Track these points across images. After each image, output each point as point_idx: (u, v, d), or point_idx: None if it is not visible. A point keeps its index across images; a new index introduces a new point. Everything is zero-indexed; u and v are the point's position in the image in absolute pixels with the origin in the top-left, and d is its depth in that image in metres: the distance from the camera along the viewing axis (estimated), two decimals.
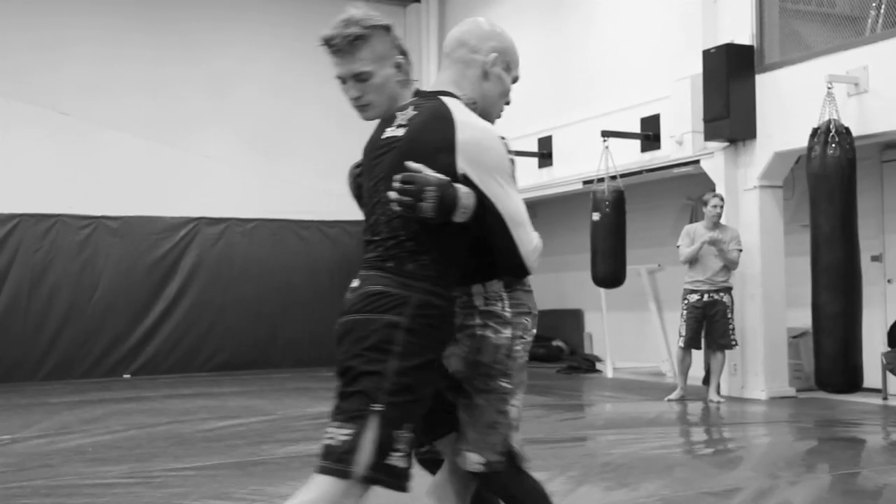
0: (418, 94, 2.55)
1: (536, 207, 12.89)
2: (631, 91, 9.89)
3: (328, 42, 2.61)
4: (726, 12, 8.66)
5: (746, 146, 8.49)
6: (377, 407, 2.28)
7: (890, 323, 8.29)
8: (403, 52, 2.67)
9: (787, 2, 8.44)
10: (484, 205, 2.37)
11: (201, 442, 6.32)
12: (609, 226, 9.24)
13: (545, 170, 11.11)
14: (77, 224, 11.36)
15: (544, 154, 11.09)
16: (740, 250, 8.07)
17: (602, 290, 10.38)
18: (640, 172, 9.75)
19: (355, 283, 2.43)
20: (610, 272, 9.34)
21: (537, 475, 2.70)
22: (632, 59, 10.00)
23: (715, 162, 8.74)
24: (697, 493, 4.53)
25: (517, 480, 2.60)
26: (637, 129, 9.64)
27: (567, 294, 12.38)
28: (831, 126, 7.07)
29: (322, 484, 2.29)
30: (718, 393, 8.17)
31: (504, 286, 2.59)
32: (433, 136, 2.37)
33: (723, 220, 8.24)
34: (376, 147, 2.49)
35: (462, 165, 2.34)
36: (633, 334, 11.26)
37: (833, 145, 7.03)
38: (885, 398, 7.92)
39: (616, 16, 10.40)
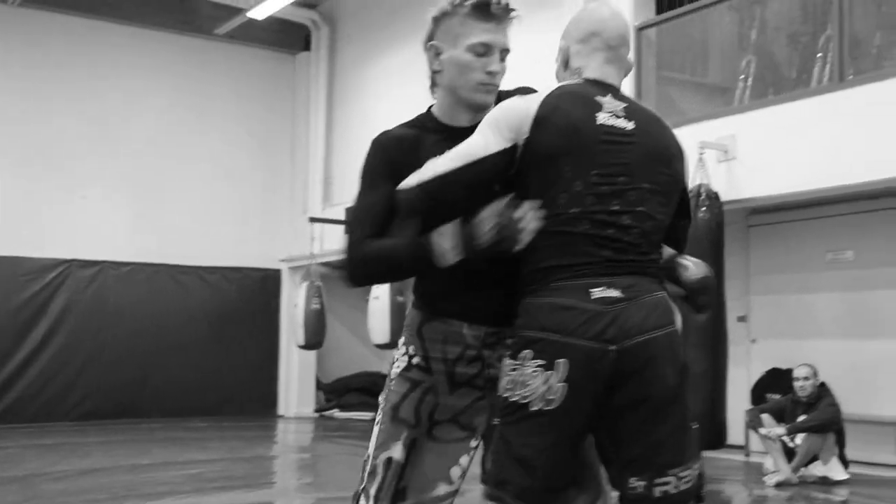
0: (598, 83, 2.28)
1: None
2: None
3: (489, 2, 2.33)
4: None
5: None
6: (696, 427, 2.20)
7: (754, 381, 8.60)
8: None
9: (664, 69, 8.78)
10: (684, 219, 2.39)
11: (59, 497, 6.01)
12: None
13: None
14: None
15: None
16: None
17: None
18: None
19: (615, 293, 2.11)
20: None
21: None
22: None
23: None
24: None
25: None
26: None
27: None
28: (702, 190, 7.35)
29: None
30: None
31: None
32: (666, 140, 2.30)
33: None
34: (597, 133, 2.19)
35: (685, 178, 2.36)
36: None
37: (703, 209, 7.30)
38: (747, 455, 8.17)
39: (518, 71, 10.59)
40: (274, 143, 13.22)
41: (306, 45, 13.23)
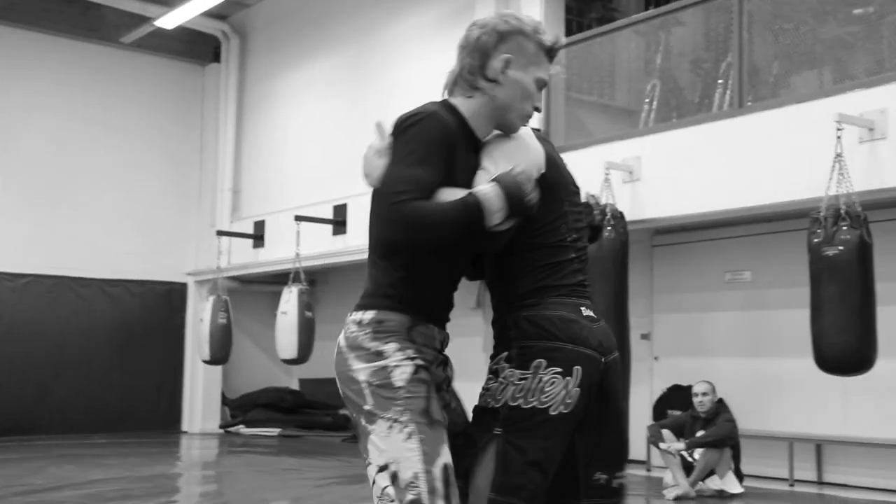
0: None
1: (329, 274, 12.87)
2: None
3: (556, 48, 2.45)
4: None
5: None
6: None
7: (656, 397, 8.79)
8: None
9: (572, 91, 8.95)
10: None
11: None
12: None
13: (339, 237, 11.12)
14: None
15: (339, 222, 11.10)
16: None
17: None
18: None
19: (590, 313, 2.38)
20: None
21: None
22: None
23: None
24: None
25: None
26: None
27: None
28: (608, 210, 7.50)
29: None
30: None
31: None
32: None
33: None
34: (567, 171, 2.53)
35: None
36: None
37: (609, 228, 7.45)
38: (648, 469, 8.34)
39: (414, 93, 10.65)
40: (182, 154, 13.00)
41: (216, 57, 13.07)
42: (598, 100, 9.06)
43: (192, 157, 13.09)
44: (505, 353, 2.32)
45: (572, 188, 2.48)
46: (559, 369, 2.24)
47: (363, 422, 2.26)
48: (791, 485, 7.56)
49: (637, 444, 8.22)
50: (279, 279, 11.17)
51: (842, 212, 5.60)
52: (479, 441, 2.31)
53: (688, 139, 7.29)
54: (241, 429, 12.30)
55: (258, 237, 12.20)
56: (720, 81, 7.43)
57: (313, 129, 11.98)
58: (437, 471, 2.18)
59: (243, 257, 12.30)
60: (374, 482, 2.26)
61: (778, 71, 6.83)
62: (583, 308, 2.34)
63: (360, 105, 11.41)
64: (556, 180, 2.41)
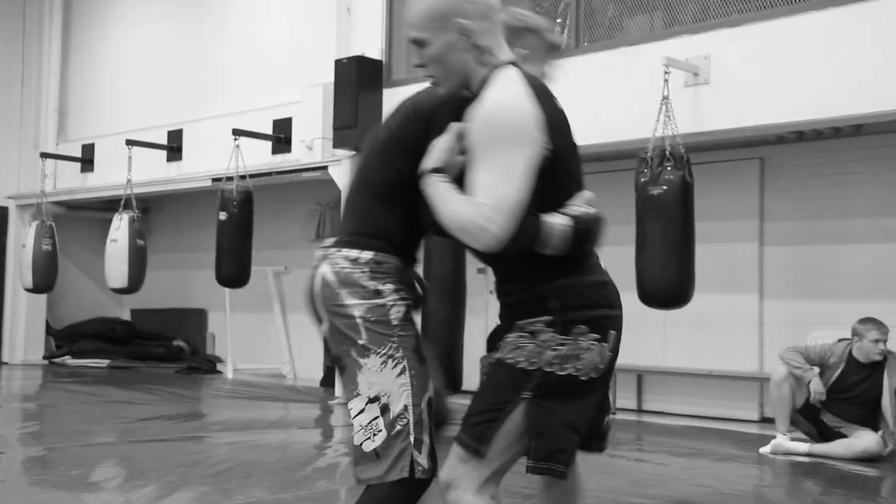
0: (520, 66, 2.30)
1: (163, 202, 12.46)
2: (266, 92, 9.87)
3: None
4: (359, 25, 8.95)
5: None
6: None
7: (490, 330, 9.02)
8: None
9: None
10: None
11: None
12: (236, 226, 9.14)
13: (174, 164, 10.75)
14: None
15: (173, 147, 10.73)
16: None
17: (227, 290, 10.25)
18: (270, 174, 9.76)
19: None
20: (234, 272, 9.23)
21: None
22: (268, 60, 9.99)
23: (342, 169, 8.96)
24: (295, 496, 4.58)
25: None
26: (269, 130, 9.64)
27: (191, 293, 12.08)
28: None
29: None
30: None
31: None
32: None
33: None
34: (568, 124, 2.33)
35: None
36: (256, 335, 11.24)
37: None
38: None
39: (254, 16, 10.35)
40: (0, 70, 12.18)
41: None
42: None
43: (12, 72, 12.28)
44: (547, 318, 2.23)
45: (572, 136, 2.34)
46: (597, 335, 2.23)
47: (354, 354, 2.34)
48: (614, 413, 7.97)
49: (471, 376, 8.42)
50: (110, 206, 10.75)
51: (667, 153, 5.85)
52: (505, 401, 2.24)
53: None
54: (67, 360, 11.86)
55: (87, 161, 11.65)
56: (558, 21, 7.54)
57: (148, 49, 11.45)
58: (424, 405, 2.34)
59: (70, 182, 11.73)
60: (361, 411, 2.33)
61: (612, 13, 6.99)
62: (601, 265, 2.35)
63: (198, 28, 10.98)
64: (556, 143, 2.22)
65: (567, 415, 2.22)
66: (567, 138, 2.29)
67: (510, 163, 2.12)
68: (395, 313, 2.36)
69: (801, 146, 7.51)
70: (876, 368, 5.95)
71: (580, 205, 2.24)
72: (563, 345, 2.21)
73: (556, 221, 2.19)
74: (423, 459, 2.31)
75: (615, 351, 2.28)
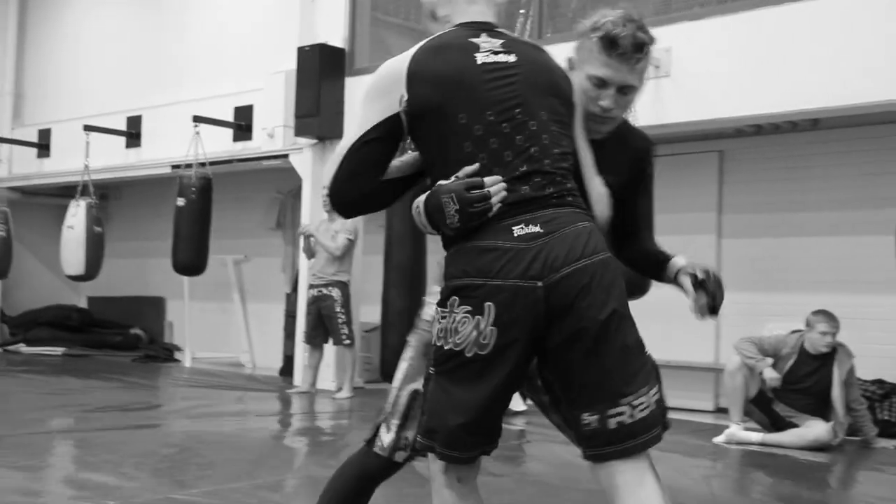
0: (470, 25, 2.21)
1: (122, 189, 12.32)
2: (227, 79, 9.78)
3: (616, 41, 2.22)
4: (322, 13, 8.89)
5: (334, 145, 8.75)
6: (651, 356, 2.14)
7: None
8: None
9: (378, 11, 8.86)
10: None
11: None
12: (194, 213, 9.07)
13: (133, 150, 10.63)
14: None
15: (132, 134, 10.60)
16: (349, 238, 7.93)
17: (185, 279, 10.17)
18: (230, 162, 9.68)
19: (536, 229, 2.04)
20: (191, 260, 9.16)
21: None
22: (230, 47, 9.89)
23: (303, 157, 8.92)
24: (250, 485, 4.56)
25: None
26: (230, 117, 9.56)
27: (149, 281, 11.96)
28: None
29: (648, 464, 2.09)
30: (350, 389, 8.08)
31: None
32: (550, 66, 2.24)
33: (310, 217, 8.45)
34: (480, 73, 2.11)
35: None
36: (215, 324, 11.15)
37: (410, 151, 7.48)
38: None
39: (217, 2, 10.24)
40: None
41: None
42: (404, 22, 9.01)
43: None
44: (438, 288, 2.17)
45: (488, 84, 2.12)
46: (469, 308, 2.03)
47: None
48: None
49: None
50: (66, 192, 10.60)
51: None
52: (426, 378, 2.20)
53: None
54: (22, 347, 11.67)
55: (43, 146, 11.48)
56: (522, 11, 7.54)
57: (108, 33, 11.29)
58: (405, 393, 2.43)
59: (26, 167, 11.56)
60: None
61: (577, 5, 7.01)
62: (517, 227, 2.05)
63: (159, 13, 10.85)
64: (435, 95, 2.10)
65: (455, 394, 2.07)
66: (443, 90, 2.10)
67: (361, 116, 2.19)
68: (427, 311, 2.50)
69: (760, 140, 7.60)
70: (826, 360, 6.05)
71: (458, 176, 2.07)
72: (443, 317, 2.09)
73: (419, 198, 2.10)
74: (385, 437, 2.45)
75: (501, 326, 2.01)
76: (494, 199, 2.04)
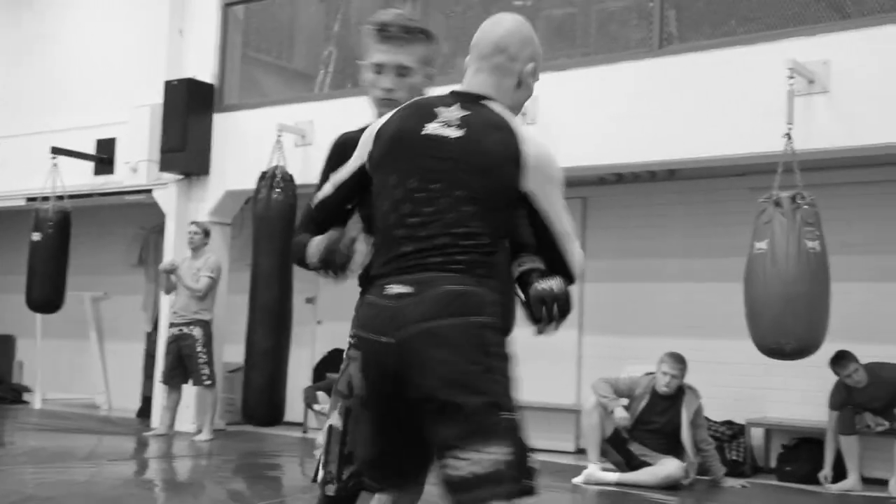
0: (457, 94, 2.35)
1: None
2: (90, 111, 9.46)
3: (382, 26, 2.54)
4: (191, 48, 8.76)
5: (200, 181, 8.60)
6: (513, 416, 2.15)
7: (317, 360, 8.93)
8: (433, 70, 2.65)
9: (249, 49, 8.79)
10: (538, 221, 2.31)
11: None
12: (51, 248, 8.73)
13: None
14: None
15: None
16: (211, 277, 7.79)
17: (38, 316, 9.73)
18: (91, 195, 9.36)
19: (405, 289, 2.18)
20: (46, 296, 8.80)
21: None
22: (93, 78, 9.58)
23: (168, 193, 8.72)
24: None
25: None
26: (92, 150, 9.25)
27: None
28: (277, 172, 7.49)
29: None
30: (211, 431, 7.83)
31: None
32: (497, 146, 2.23)
33: (173, 254, 8.23)
34: (419, 142, 2.27)
35: (528, 182, 2.25)
36: (70, 364, 10.68)
37: (278, 190, 7.44)
38: (305, 431, 8.46)
39: (82, 32, 9.93)
40: None
41: None
42: (276, 60, 8.98)
43: None
44: None
45: (421, 154, 2.28)
46: (354, 353, 2.30)
47: None
48: None
49: (296, 407, 8.30)
50: None
51: None
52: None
53: (361, 106, 7.39)
54: None
55: None
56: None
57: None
58: (325, 428, 2.57)
59: None
60: None
61: (447, 51, 7.14)
62: (391, 286, 2.20)
63: (19, 35, 10.44)
64: (380, 154, 2.33)
65: (359, 430, 2.37)
66: (386, 150, 2.31)
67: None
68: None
69: (621, 188, 7.88)
70: (675, 401, 6.29)
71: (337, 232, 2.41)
72: (346, 360, 2.44)
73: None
74: (319, 473, 2.57)
75: (364, 374, 2.22)
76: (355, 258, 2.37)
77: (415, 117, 2.31)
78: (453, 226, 2.22)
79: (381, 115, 2.48)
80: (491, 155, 2.24)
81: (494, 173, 2.24)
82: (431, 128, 2.27)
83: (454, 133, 2.26)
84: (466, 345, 2.12)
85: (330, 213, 2.47)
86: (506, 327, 2.29)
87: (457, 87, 2.38)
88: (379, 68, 2.58)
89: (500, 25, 2.39)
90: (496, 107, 2.31)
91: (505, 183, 2.26)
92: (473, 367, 2.11)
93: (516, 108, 2.41)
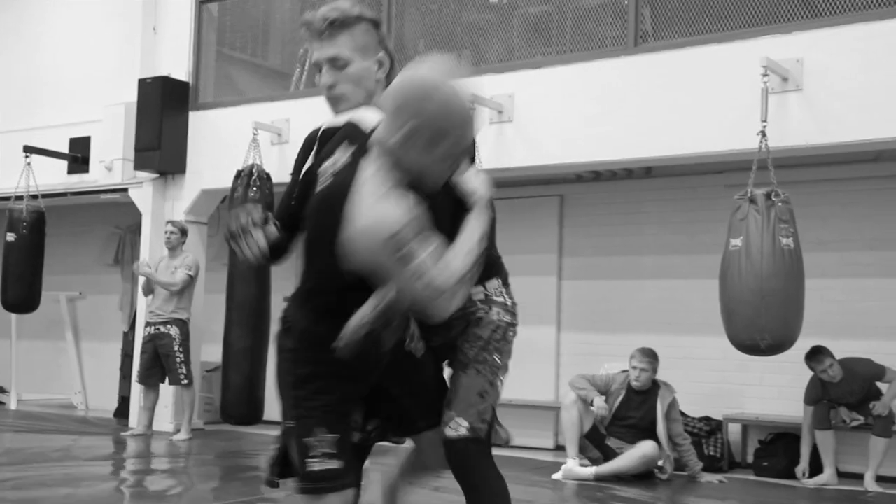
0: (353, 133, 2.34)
1: None
2: (64, 109, 9.38)
3: (308, 24, 2.46)
4: (165, 45, 8.70)
5: (175, 180, 8.55)
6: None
7: None
8: (389, 53, 2.51)
9: (224, 47, 8.74)
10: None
11: None
12: (25, 248, 8.65)
13: None
14: None
15: None
16: (189, 274, 7.75)
17: (13, 316, 9.65)
18: (65, 194, 9.28)
19: None
20: (22, 297, 8.73)
21: None
22: (67, 76, 9.50)
23: (143, 192, 8.66)
24: None
25: (484, 463, 2.57)
26: (66, 148, 9.18)
27: None
28: (254, 170, 7.45)
29: None
30: (188, 431, 7.77)
31: (502, 283, 2.69)
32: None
33: (150, 253, 8.19)
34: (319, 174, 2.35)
35: None
36: (46, 364, 10.60)
37: (255, 188, 7.41)
38: None
39: (55, 30, 9.84)
40: None
41: None
42: (251, 59, 8.93)
43: None
44: None
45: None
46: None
47: None
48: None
49: (273, 406, 8.26)
50: None
51: None
52: None
53: None
54: None
55: None
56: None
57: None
58: None
59: None
60: None
61: (423, 49, 7.13)
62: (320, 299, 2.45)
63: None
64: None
65: None
66: (298, 165, 2.47)
67: None
68: None
69: (598, 185, 7.90)
70: (650, 396, 6.36)
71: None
72: None
73: None
74: None
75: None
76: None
77: (333, 143, 2.38)
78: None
79: (334, 113, 2.49)
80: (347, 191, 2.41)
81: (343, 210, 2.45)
82: (325, 164, 2.38)
83: (332, 171, 2.35)
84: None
85: (293, 217, 2.47)
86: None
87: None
88: (318, 67, 2.51)
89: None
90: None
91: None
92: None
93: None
